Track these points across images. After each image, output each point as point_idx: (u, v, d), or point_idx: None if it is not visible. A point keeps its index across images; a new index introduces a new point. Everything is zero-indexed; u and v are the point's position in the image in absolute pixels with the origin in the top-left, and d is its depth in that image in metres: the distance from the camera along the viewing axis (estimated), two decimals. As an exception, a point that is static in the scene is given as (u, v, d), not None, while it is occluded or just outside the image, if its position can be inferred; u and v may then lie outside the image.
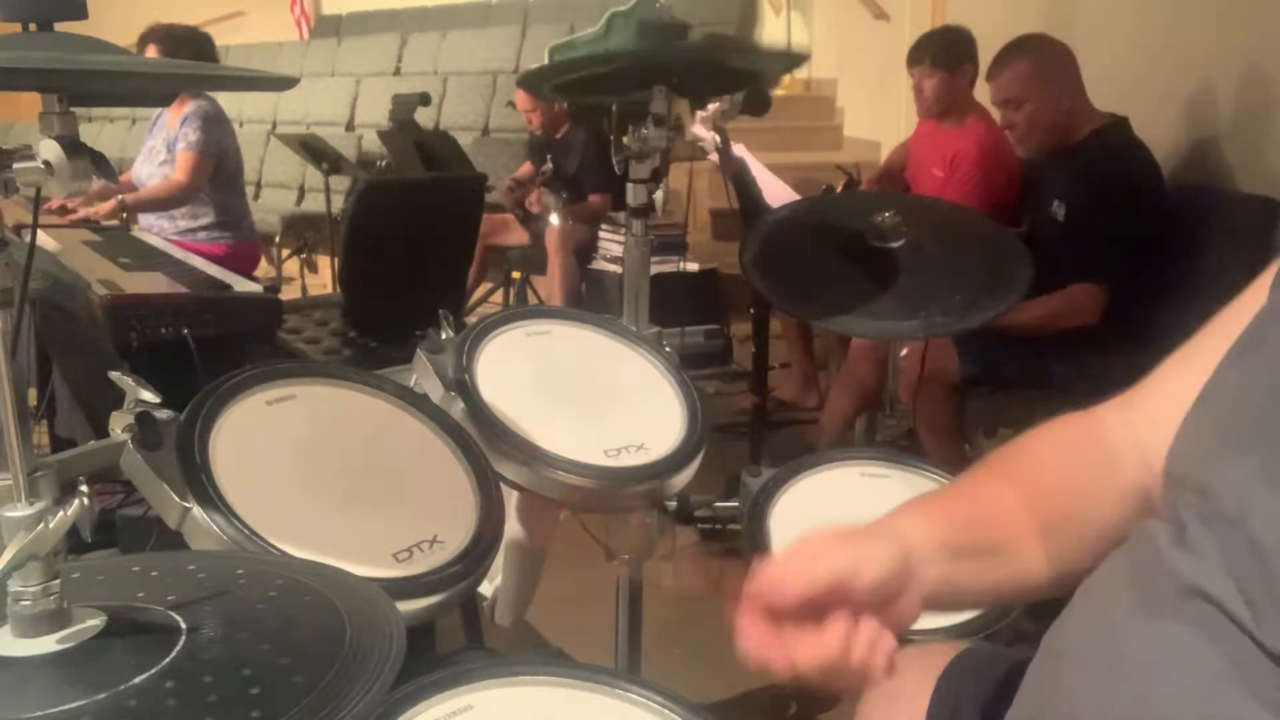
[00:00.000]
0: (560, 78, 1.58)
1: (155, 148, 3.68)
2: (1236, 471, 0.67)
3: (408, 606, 0.97)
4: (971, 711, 0.88)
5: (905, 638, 1.17)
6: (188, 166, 3.53)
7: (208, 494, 0.96)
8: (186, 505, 0.96)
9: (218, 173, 3.62)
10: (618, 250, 4.20)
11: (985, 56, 2.80)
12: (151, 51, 3.50)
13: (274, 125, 7.10)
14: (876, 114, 5.02)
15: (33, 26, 0.77)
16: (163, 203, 3.58)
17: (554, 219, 4.21)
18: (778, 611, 0.69)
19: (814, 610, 0.69)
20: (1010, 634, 1.23)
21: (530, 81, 1.80)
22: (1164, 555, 0.69)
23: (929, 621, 1.22)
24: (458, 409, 1.25)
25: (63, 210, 3.51)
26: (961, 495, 0.84)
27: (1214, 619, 0.64)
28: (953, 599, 0.79)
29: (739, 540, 1.41)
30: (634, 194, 1.56)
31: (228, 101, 3.79)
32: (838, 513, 1.40)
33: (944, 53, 3.08)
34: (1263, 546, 0.63)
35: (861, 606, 0.69)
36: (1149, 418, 0.82)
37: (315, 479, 1.09)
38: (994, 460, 0.86)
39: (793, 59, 1.57)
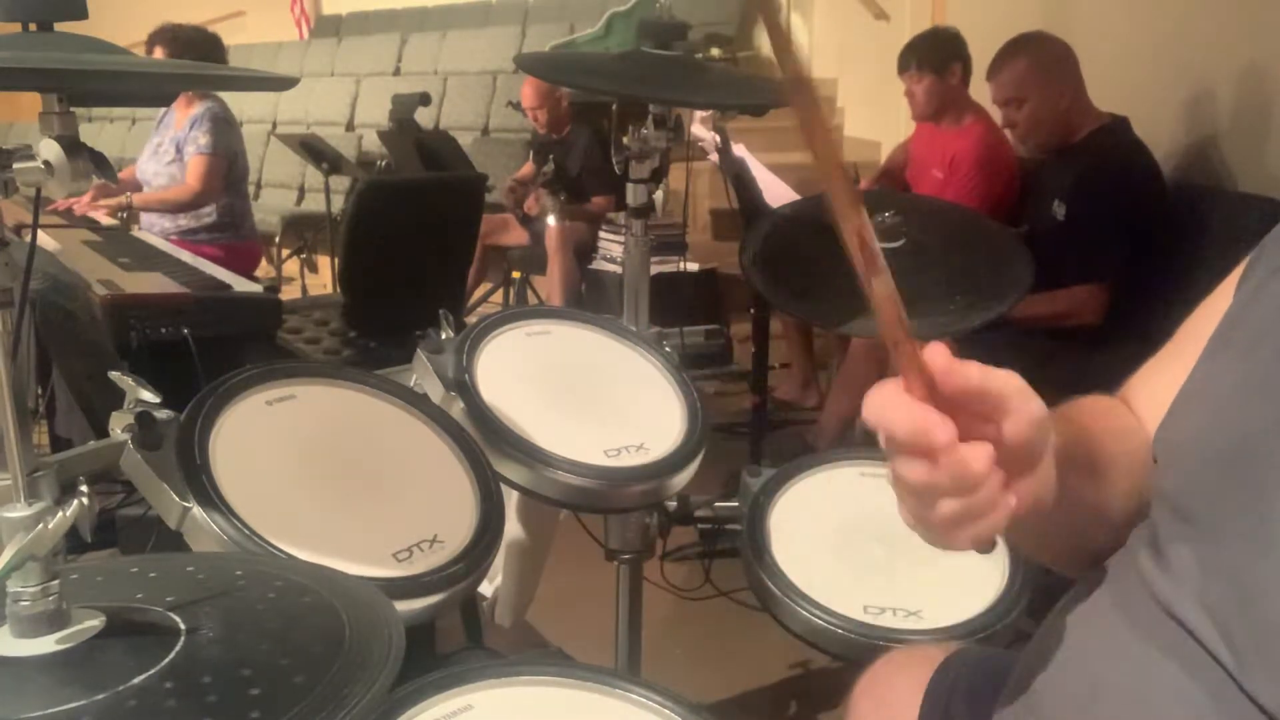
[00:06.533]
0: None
1: (162, 146, 3.68)
2: (1213, 492, 0.65)
3: (407, 606, 0.97)
4: (963, 713, 0.88)
5: (901, 639, 1.18)
6: (200, 172, 3.52)
7: (208, 494, 0.96)
8: (186, 505, 0.96)
9: (226, 175, 3.61)
10: (618, 250, 4.19)
11: (985, 56, 2.80)
12: (159, 52, 3.50)
13: (274, 125, 7.10)
14: (876, 114, 5.01)
15: (33, 26, 0.77)
16: (172, 205, 3.58)
17: (551, 220, 4.21)
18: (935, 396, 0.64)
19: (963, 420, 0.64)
20: (1010, 634, 1.23)
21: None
22: (1145, 578, 0.68)
23: (928, 621, 1.23)
24: (458, 409, 1.25)
25: (69, 211, 3.51)
26: (1072, 413, 0.80)
27: (1194, 651, 0.62)
28: (1047, 509, 0.69)
29: (739, 540, 1.41)
30: (634, 194, 1.56)
31: (228, 101, 3.79)
32: (838, 513, 1.41)
33: (930, 55, 3.09)
34: (1243, 582, 0.61)
35: (1008, 446, 0.64)
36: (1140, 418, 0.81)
37: (315, 479, 1.08)
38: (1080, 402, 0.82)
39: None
